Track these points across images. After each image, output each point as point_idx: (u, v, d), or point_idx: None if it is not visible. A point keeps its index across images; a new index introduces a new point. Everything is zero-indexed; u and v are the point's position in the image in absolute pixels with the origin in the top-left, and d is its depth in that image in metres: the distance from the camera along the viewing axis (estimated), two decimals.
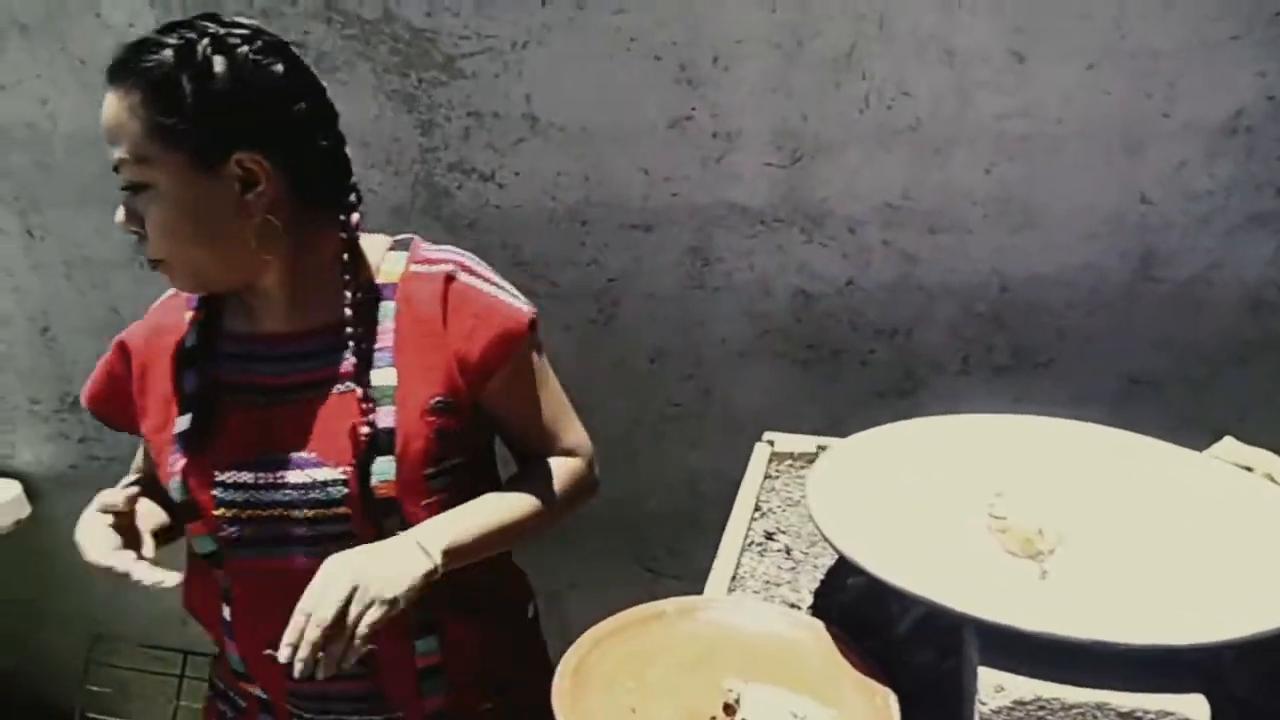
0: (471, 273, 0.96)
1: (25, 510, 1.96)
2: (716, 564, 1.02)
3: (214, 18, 0.87)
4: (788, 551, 1.06)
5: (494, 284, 0.97)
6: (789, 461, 1.23)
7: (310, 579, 0.82)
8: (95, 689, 2.08)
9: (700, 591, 0.96)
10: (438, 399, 0.92)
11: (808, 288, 1.48)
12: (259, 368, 0.94)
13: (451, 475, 0.94)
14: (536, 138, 1.50)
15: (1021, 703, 0.67)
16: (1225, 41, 1.25)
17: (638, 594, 0.92)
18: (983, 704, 0.68)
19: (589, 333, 1.59)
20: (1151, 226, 1.34)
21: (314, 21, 1.52)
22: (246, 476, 0.91)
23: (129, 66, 0.83)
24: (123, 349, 1.00)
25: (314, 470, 0.90)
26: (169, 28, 0.85)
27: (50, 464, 1.98)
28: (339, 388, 0.91)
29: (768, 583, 1.01)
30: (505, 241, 1.57)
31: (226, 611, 0.97)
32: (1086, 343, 1.41)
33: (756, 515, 1.13)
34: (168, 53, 0.82)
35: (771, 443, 1.30)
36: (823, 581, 1.00)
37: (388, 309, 0.93)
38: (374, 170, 1.57)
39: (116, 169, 0.85)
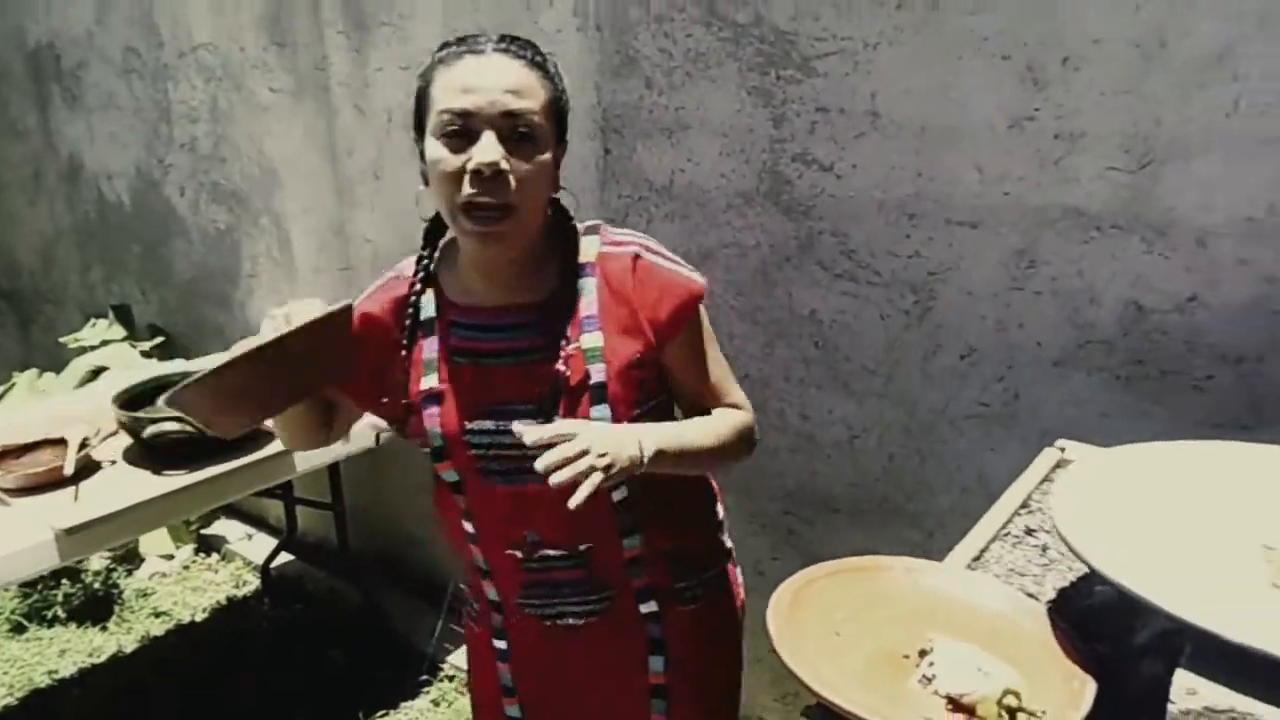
0: (652, 252, 1.13)
1: None
2: (962, 543, 1.06)
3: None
4: (1044, 549, 1.07)
5: (672, 261, 1.14)
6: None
7: (540, 500, 1.01)
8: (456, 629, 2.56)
9: None
10: (636, 356, 1.09)
11: (1141, 300, 1.40)
12: (482, 336, 1.12)
13: (648, 418, 1.12)
14: (876, 133, 1.59)
15: (1213, 710, 0.67)
16: None
17: None
18: (1173, 703, 0.68)
19: (902, 322, 1.64)
20: None
21: (696, 26, 1.75)
22: (488, 424, 1.10)
23: (523, 47, 1.05)
24: (368, 318, 1.16)
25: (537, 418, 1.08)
26: (501, 36, 1.06)
27: None
28: (568, 346, 1.08)
29: (1012, 570, 1.03)
30: (835, 229, 1.68)
31: (469, 525, 1.18)
32: None
33: (1023, 510, 1.14)
34: (536, 51, 1.07)
35: (1063, 449, 1.28)
36: (1071, 584, 1.00)
37: (589, 284, 1.10)
38: (727, 158, 1.77)
39: (509, 115, 1.00)
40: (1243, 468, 0.94)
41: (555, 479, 0.93)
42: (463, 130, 1.00)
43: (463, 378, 1.12)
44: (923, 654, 0.83)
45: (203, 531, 3.24)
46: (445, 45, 1.07)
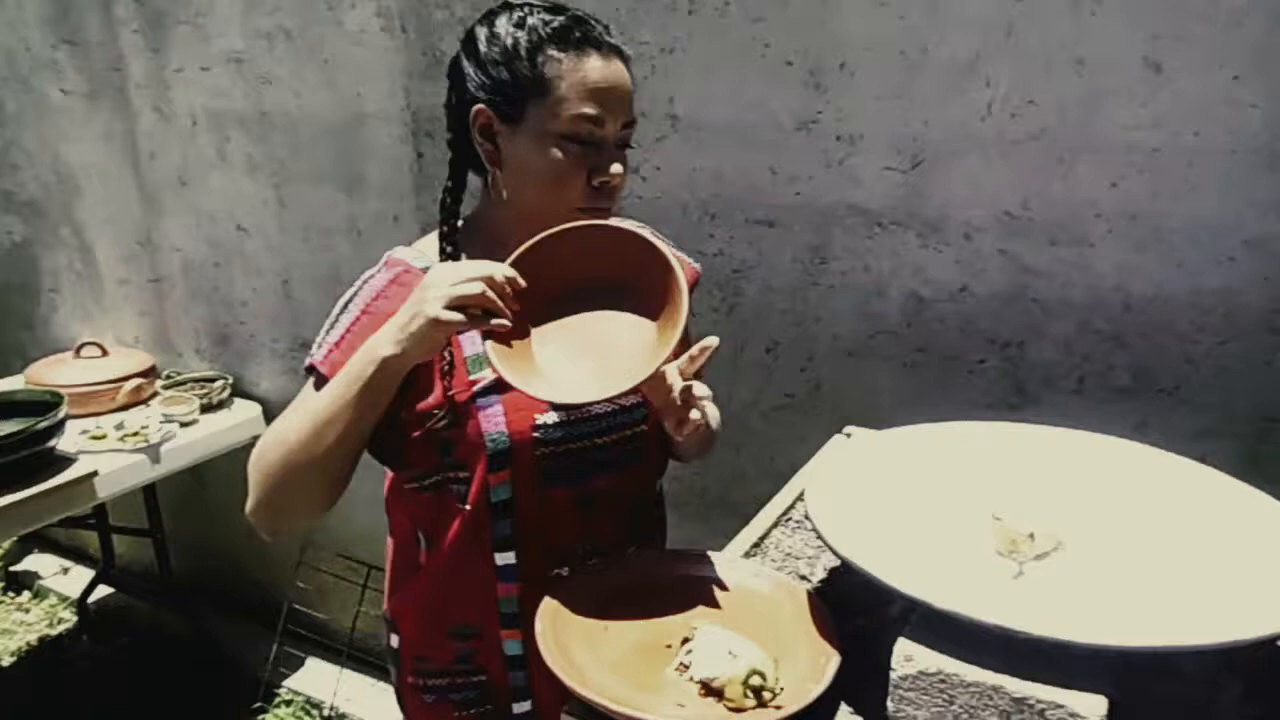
0: (657, 234, 1.10)
1: (261, 429, 2.38)
2: (743, 532, 1.10)
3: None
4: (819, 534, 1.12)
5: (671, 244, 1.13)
6: None
7: (605, 498, 1.03)
8: (301, 585, 2.47)
9: None
10: None
11: (921, 292, 1.50)
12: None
13: None
14: (677, 136, 1.63)
15: (925, 674, 0.71)
16: None
17: None
18: (893, 670, 0.73)
19: (711, 319, 1.69)
20: None
21: None
22: (555, 416, 1.01)
23: (615, 42, 0.97)
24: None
25: (618, 399, 1.01)
26: (596, 22, 0.98)
27: (282, 394, 2.40)
28: None
29: (788, 555, 1.07)
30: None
31: (506, 556, 1.02)
32: (1219, 373, 1.31)
33: (803, 499, 1.19)
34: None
35: (849, 435, 1.35)
36: (840, 565, 1.05)
37: None
38: None
39: (628, 125, 0.98)
40: (985, 445, 1.02)
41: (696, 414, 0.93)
42: (590, 137, 0.96)
43: None
44: (685, 642, 0.85)
45: (11, 568, 3.00)
46: (544, 24, 0.95)
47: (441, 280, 0.86)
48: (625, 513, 0.90)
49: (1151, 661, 0.67)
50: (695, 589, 0.94)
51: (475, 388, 0.99)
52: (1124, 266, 1.34)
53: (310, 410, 0.94)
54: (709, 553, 1.00)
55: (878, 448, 1.03)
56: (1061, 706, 0.66)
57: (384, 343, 0.89)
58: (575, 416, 1.02)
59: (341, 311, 1.01)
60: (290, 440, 0.94)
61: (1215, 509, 0.87)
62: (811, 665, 0.82)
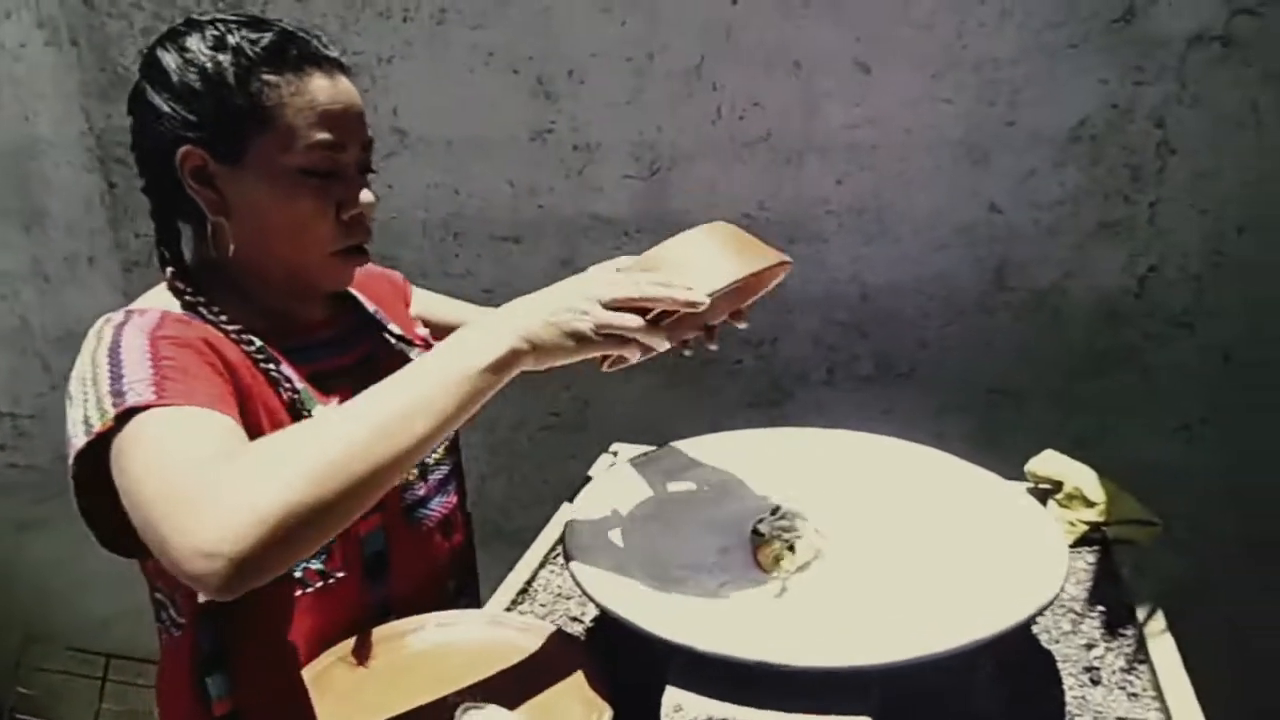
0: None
1: None
2: (510, 576, 1.03)
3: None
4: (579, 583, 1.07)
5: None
6: None
7: (458, 516, 1.01)
8: (24, 691, 2.12)
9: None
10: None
11: None
12: (321, 353, 0.93)
13: None
14: (406, 151, 1.52)
15: None
16: (1065, 50, 1.24)
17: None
18: None
19: None
20: (1002, 236, 1.33)
21: None
22: None
23: (335, 55, 0.85)
24: (210, 345, 0.82)
25: None
26: (312, 34, 0.85)
27: None
28: (396, 349, 0.99)
29: (558, 596, 1.01)
30: (384, 254, 1.59)
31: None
32: (946, 353, 1.40)
33: None
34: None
35: (615, 453, 1.31)
36: None
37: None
38: None
39: (366, 147, 0.86)
40: (740, 455, 1.01)
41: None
42: (330, 168, 0.83)
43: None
44: None
45: None
46: (250, 43, 0.80)
47: (607, 287, 0.75)
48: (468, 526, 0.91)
49: (913, 664, 0.67)
50: (453, 660, 0.85)
51: None
52: (857, 259, 1.39)
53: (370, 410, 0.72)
54: (468, 612, 0.92)
55: (638, 472, 0.99)
56: None
57: (512, 325, 0.73)
58: None
59: (115, 352, 0.78)
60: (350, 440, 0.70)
61: (956, 495, 0.90)
62: None
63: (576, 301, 0.74)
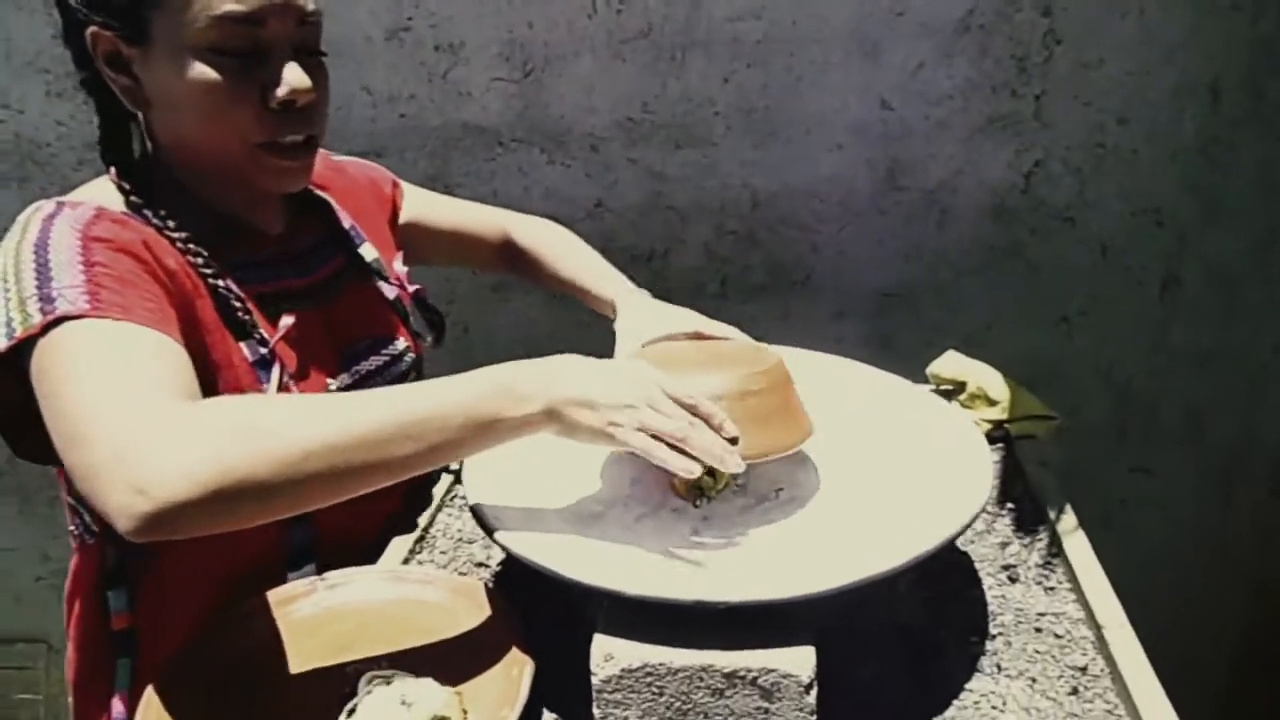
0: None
1: None
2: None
3: None
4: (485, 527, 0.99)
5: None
6: None
7: None
8: None
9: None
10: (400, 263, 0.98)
11: (556, 212, 1.39)
12: (281, 271, 0.86)
13: None
14: None
15: (630, 670, 0.62)
16: None
17: None
18: (594, 674, 0.63)
19: None
20: (894, 134, 1.29)
21: None
22: (345, 378, 0.88)
23: None
24: (148, 247, 0.74)
25: (388, 348, 0.93)
26: None
27: None
28: (368, 271, 0.93)
29: (459, 541, 0.94)
30: None
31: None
32: (840, 256, 1.37)
33: None
34: None
35: None
36: None
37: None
38: None
39: (305, 21, 0.76)
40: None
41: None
42: (249, 45, 0.73)
43: (286, 331, 0.82)
44: (346, 699, 0.69)
45: None
46: None
47: (655, 395, 0.67)
48: None
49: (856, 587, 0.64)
50: (349, 624, 0.77)
51: (239, 358, 0.79)
52: (747, 163, 1.33)
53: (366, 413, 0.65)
54: (364, 569, 0.83)
55: None
56: (773, 670, 0.61)
57: (550, 396, 0.67)
58: (359, 376, 0.90)
59: (42, 248, 0.70)
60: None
61: (866, 403, 0.88)
62: (504, 682, 0.69)
63: (624, 414, 0.66)
